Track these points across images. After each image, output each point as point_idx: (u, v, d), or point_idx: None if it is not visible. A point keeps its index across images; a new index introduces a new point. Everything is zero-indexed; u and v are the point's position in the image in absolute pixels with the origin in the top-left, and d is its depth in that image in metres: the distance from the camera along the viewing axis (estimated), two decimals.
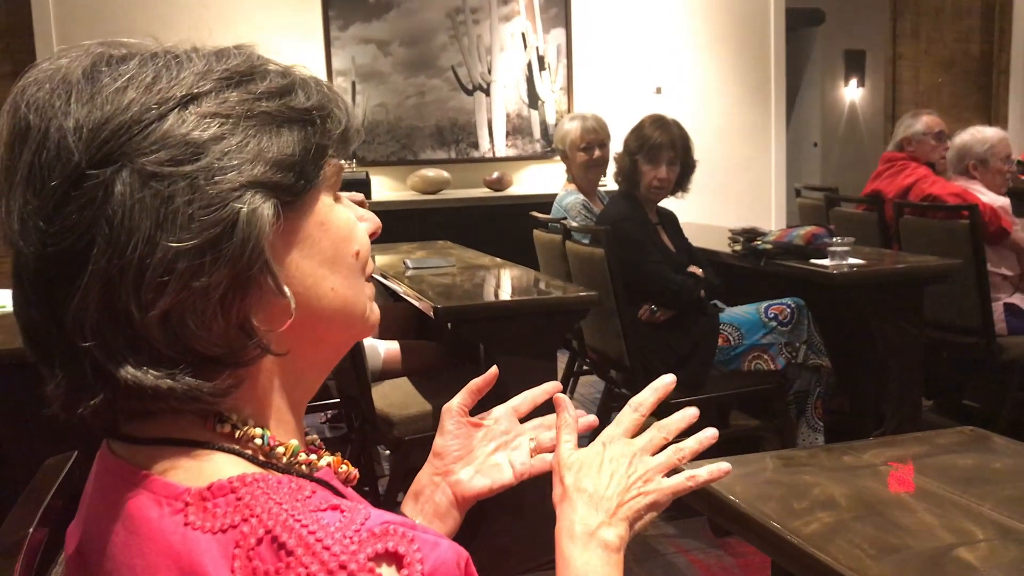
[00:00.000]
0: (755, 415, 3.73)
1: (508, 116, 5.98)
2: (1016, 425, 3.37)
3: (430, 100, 5.86)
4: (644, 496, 0.88)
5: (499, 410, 1.04)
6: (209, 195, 0.61)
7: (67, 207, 0.60)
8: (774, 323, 3.16)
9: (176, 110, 0.62)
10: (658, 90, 6.16)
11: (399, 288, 3.00)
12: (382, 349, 3.14)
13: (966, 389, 4.07)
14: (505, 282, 3.21)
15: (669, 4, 6.21)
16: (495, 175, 5.72)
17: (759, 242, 3.40)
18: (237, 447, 0.66)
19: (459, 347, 3.21)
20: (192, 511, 0.60)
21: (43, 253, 0.60)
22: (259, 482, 0.61)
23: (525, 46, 5.97)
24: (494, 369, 1.03)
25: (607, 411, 3.56)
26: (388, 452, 3.47)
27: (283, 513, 0.59)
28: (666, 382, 0.95)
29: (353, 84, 5.70)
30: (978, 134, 3.89)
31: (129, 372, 0.61)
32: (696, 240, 3.58)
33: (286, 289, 0.65)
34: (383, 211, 4.99)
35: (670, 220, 3.50)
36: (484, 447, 1.01)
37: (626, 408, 0.94)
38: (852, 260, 3.17)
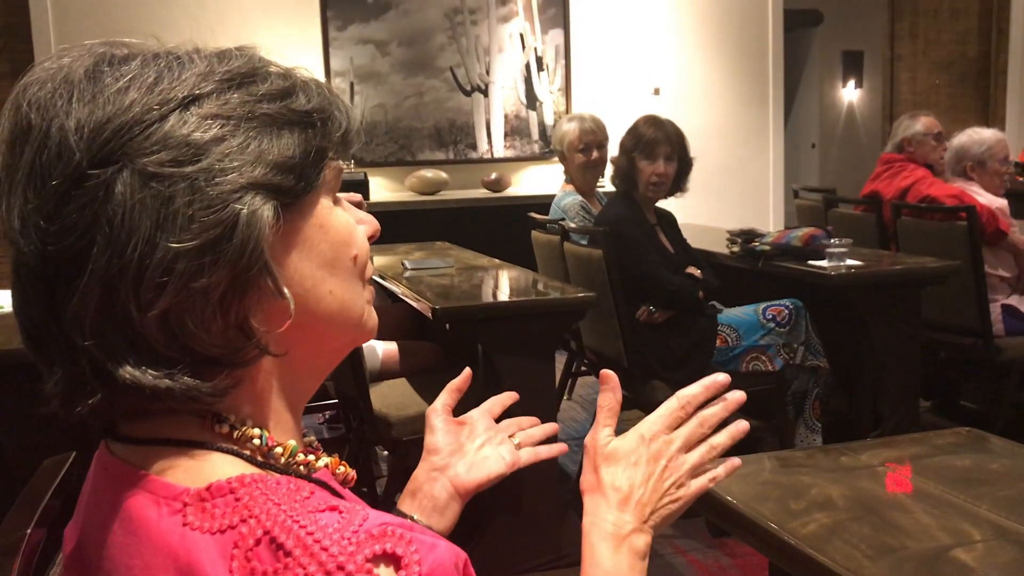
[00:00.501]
0: (753, 416, 3.72)
1: (506, 117, 5.98)
2: (1013, 426, 3.37)
3: (428, 101, 5.86)
4: (674, 503, 0.89)
5: (476, 412, 1.08)
6: (209, 196, 0.61)
7: (68, 206, 0.60)
8: (772, 324, 3.17)
9: (177, 111, 0.62)
10: (656, 91, 6.16)
11: (397, 289, 3.00)
12: (380, 350, 3.14)
13: (964, 390, 4.07)
14: (503, 283, 3.21)
15: (667, 5, 6.22)
16: (493, 176, 5.72)
17: (757, 243, 3.41)
18: (235, 447, 0.66)
19: (457, 348, 3.21)
20: (191, 511, 0.60)
21: (43, 252, 0.61)
22: (257, 483, 0.61)
23: (523, 47, 5.98)
24: (467, 370, 1.08)
25: None
26: (386, 453, 3.47)
27: (281, 514, 0.59)
28: (719, 380, 0.94)
29: (351, 85, 5.70)
30: (976, 135, 3.89)
31: (128, 371, 0.61)
32: (694, 241, 3.58)
33: (285, 290, 0.65)
34: (381, 212, 4.99)
35: (668, 221, 3.50)
36: (471, 443, 1.05)
37: (672, 400, 0.92)
38: (850, 261, 3.18)
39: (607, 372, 0.95)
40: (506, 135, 5.99)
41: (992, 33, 7.46)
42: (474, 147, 5.96)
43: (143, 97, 0.62)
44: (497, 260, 3.56)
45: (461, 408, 1.07)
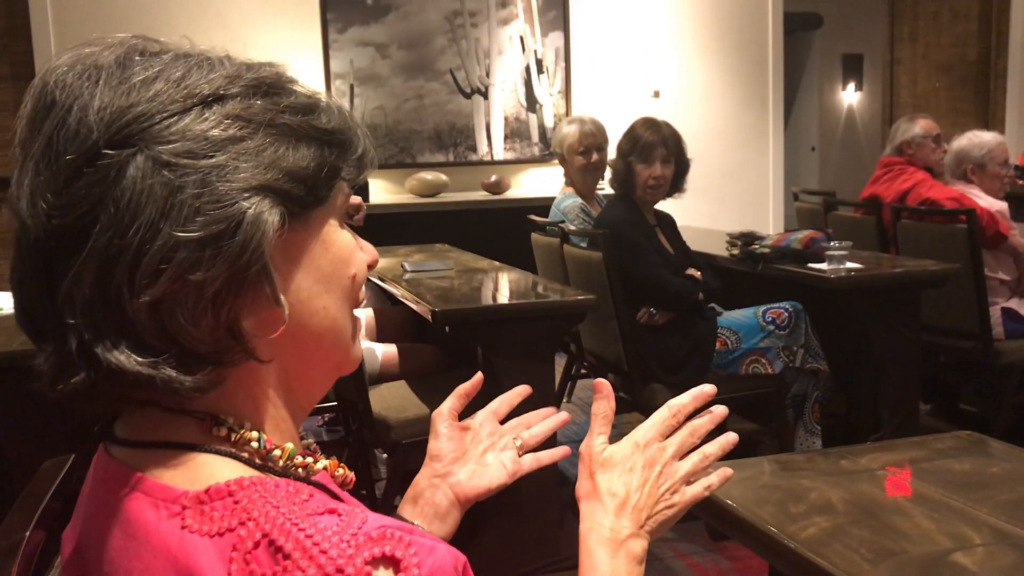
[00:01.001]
0: (753, 419, 3.73)
1: (506, 119, 5.98)
2: (1013, 429, 3.37)
3: (428, 103, 5.86)
4: (669, 509, 0.89)
5: (481, 414, 1.06)
6: (219, 191, 0.62)
7: (77, 182, 0.60)
8: (772, 327, 3.17)
9: (200, 107, 0.63)
10: (656, 94, 6.16)
11: (397, 291, 3.00)
12: (379, 352, 3.14)
13: (963, 393, 4.07)
14: (503, 285, 3.21)
15: (667, 8, 6.22)
16: (493, 178, 5.72)
17: (757, 246, 3.41)
18: (234, 450, 0.66)
19: (457, 350, 3.21)
20: (189, 514, 0.60)
21: (47, 225, 0.61)
22: (256, 485, 0.61)
23: (523, 49, 5.98)
24: (479, 375, 1.05)
25: None
26: (385, 455, 3.47)
27: (280, 517, 0.59)
28: (706, 391, 0.95)
29: (351, 87, 5.70)
30: (976, 139, 3.89)
31: (112, 355, 0.61)
32: (694, 244, 3.59)
33: (281, 297, 0.65)
34: (381, 214, 5.02)
35: (668, 223, 3.51)
36: (475, 449, 1.03)
37: (663, 409, 0.93)
38: (850, 264, 3.18)
39: (600, 381, 0.96)
40: (506, 137, 5.99)
41: (992, 36, 7.47)
42: (474, 149, 5.96)
43: (168, 89, 0.63)
44: (497, 262, 3.56)
45: (467, 409, 1.06)
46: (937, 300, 3.37)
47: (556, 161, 4.20)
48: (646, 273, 3.17)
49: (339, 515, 0.60)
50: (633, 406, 3.48)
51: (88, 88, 0.62)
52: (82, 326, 0.61)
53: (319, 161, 0.67)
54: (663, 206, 3.49)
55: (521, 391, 1.07)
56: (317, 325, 0.70)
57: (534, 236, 3.78)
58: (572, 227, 3.54)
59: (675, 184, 3.39)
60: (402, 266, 3.34)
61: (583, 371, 4.20)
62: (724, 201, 6.24)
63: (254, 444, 0.67)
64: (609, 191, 3.67)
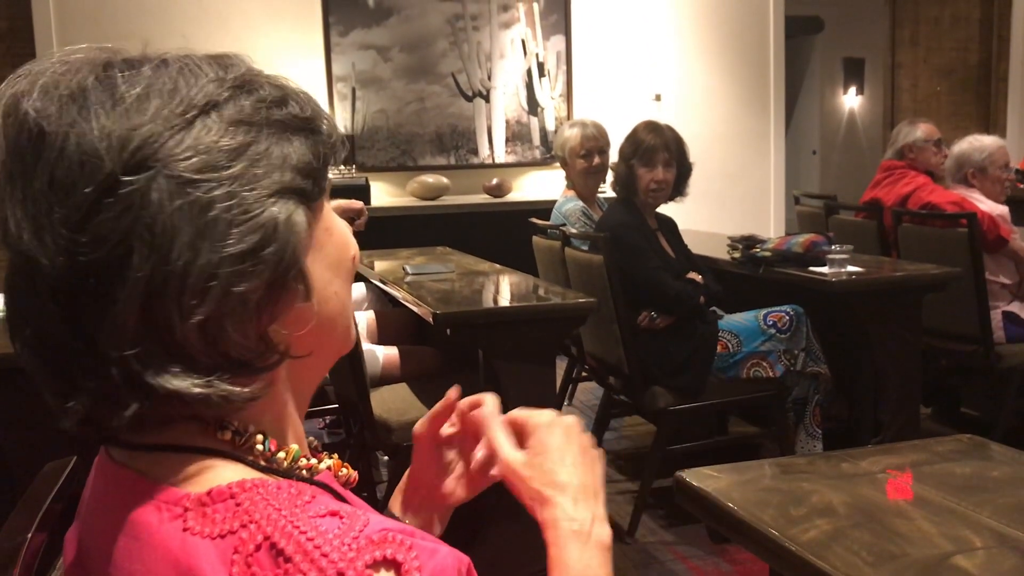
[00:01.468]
0: (754, 422, 3.73)
1: (508, 122, 5.99)
2: (1014, 433, 3.37)
3: (430, 106, 5.87)
4: (597, 467, 0.85)
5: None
6: (248, 201, 0.61)
7: (99, 215, 0.59)
8: (773, 330, 3.17)
9: (200, 117, 0.62)
10: (657, 97, 6.17)
11: (398, 294, 3.00)
12: (381, 354, 3.14)
13: (964, 397, 4.07)
14: (504, 288, 3.21)
15: (669, 11, 6.22)
16: (494, 181, 5.72)
17: (758, 249, 3.41)
18: (238, 453, 0.66)
19: (458, 353, 3.21)
20: (191, 516, 0.60)
21: (71, 264, 0.59)
22: (258, 488, 0.61)
23: (525, 53, 5.98)
24: (453, 392, 0.97)
25: (606, 418, 3.56)
26: (386, 458, 3.47)
27: (282, 519, 0.59)
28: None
29: (353, 90, 5.71)
30: (976, 142, 3.90)
31: (168, 381, 0.60)
32: (695, 247, 3.59)
33: (313, 295, 0.66)
34: (383, 217, 5.02)
35: (669, 226, 3.51)
36: (446, 470, 0.97)
37: (517, 411, 0.91)
38: (851, 268, 3.18)
39: (452, 389, 0.92)
40: (507, 140, 5.99)
41: (993, 40, 7.47)
42: (475, 152, 5.96)
43: (165, 104, 0.62)
44: (498, 265, 3.56)
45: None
46: (938, 304, 3.37)
47: (557, 164, 4.21)
48: (647, 277, 3.17)
49: (341, 517, 0.60)
50: (634, 409, 3.48)
51: (80, 113, 0.60)
52: (131, 357, 0.60)
53: (313, 151, 0.68)
54: (664, 209, 3.50)
55: (446, 402, 0.98)
56: (331, 311, 0.71)
57: (535, 239, 3.78)
58: (573, 230, 3.55)
59: (677, 188, 3.39)
60: (403, 269, 3.35)
61: (584, 374, 4.20)
62: (725, 204, 6.24)
63: (259, 447, 0.67)
64: (610, 194, 3.68)
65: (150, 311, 0.59)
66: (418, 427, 0.96)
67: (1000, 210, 3.76)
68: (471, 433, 0.94)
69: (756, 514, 1.24)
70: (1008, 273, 3.70)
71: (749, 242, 3.48)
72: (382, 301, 3.68)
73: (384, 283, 3.17)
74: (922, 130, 4.09)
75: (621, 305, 3.05)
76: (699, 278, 3.28)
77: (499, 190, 5.70)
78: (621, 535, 3.05)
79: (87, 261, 0.59)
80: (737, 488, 1.33)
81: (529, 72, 5.99)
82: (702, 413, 3.35)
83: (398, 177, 5.81)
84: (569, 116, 5.94)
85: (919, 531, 1.17)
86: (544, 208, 4.25)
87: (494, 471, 0.90)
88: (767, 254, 3.36)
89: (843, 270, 3.15)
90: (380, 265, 3.53)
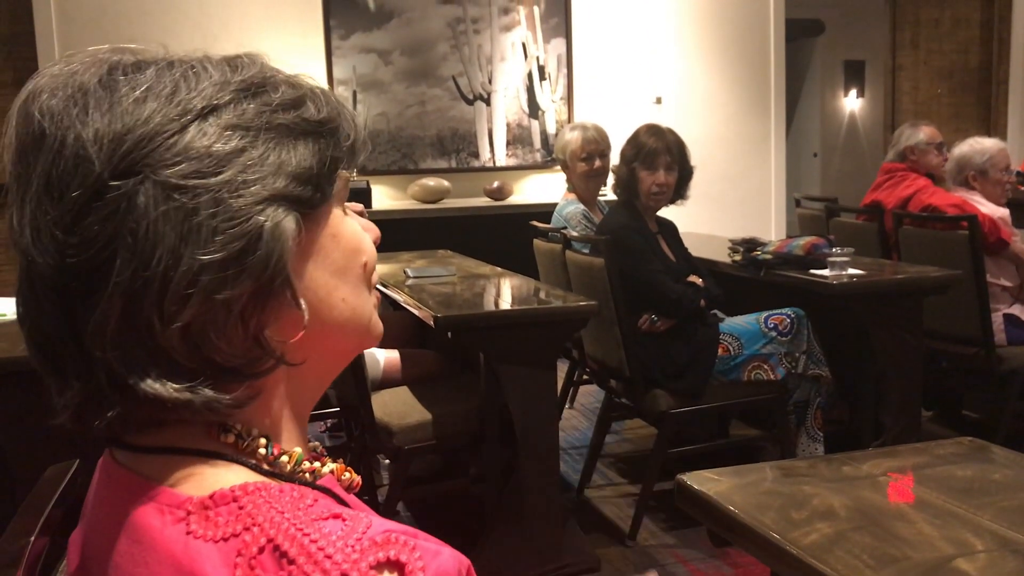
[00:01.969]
0: (755, 425, 3.73)
1: (508, 126, 5.99)
2: (1015, 436, 3.37)
3: (431, 109, 5.87)
4: None
5: None
6: (233, 208, 0.61)
7: (88, 218, 0.59)
8: (774, 333, 3.17)
9: (196, 122, 0.62)
10: (658, 100, 6.17)
11: (399, 297, 3.00)
12: (382, 358, 3.14)
13: (965, 400, 4.07)
14: (505, 291, 3.21)
15: (669, 14, 6.23)
16: (495, 184, 5.73)
17: (759, 252, 3.41)
18: (241, 456, 0.66)
19: (459, 356, 3.21)
20: (194, 520, 0.60)
21: (61, 264, 0.60)
22: (261, 491, 0.62)
23: (526, 56, 5.99)
24: None
25: (607, 420, 3.56)
26: (387, 461, 3.47)
27: (285, 522, 0.59)
28: None
29: (354, 93, 5.71)
30: (977, 145, 3.90)
31: (148, 384, 0.61)
32: (696, 250, 3.59)
33: (301, 300, 0.65)
34: (383, 220, 5.02)
35: (670, 229, 3.51)
36: None
37: None
38: (852, 270, 3.18)
39: None
40: (508, 144, 6.00)
41: (993, 43, 7.47)
42: (476, 156, 5.97)
43: (162, 107, 0.62)
44: (499, 268, 3.56)
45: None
46: (939, 306, 3.37)
47: (558, 167, 4.21)
48: (647, 280, 3.17)
49: (344, 520, 0.60)
50: (635, 412, 3.49)
51: (78, 115, 0.61)
52: (113, 359, 0.60)
53: (319, 156, 0.67)
54: (665, 212, 3.50)
55: None
56: (338, 317, 0.70)
57: (536, 242, 3.78)
58: (574, 233, 3.55)
59: (678, 191, 3.39)
60: (404, 272, 3.35)
61: (585, 377, 4.20)
62: (726, 207, 6.24)
63: (262, 451, 0.67)
64: (611, 197, 3.68)
65: (132, 315, 0.60)
66: None
67: (1001, 212, 3.76)
68: None
69: (757, 517, 1.24)
70: (1009, 275, 3.70)
71: (750, 245, 3.48)
72: (383, 305, 3.68)
73: (385, 286, 3.18)
74: (924, 133, 4.09)
75: (622, 308, 3.05)
76: (700, 281, 3.28)
77: (500, 193, 5.70)
78: (622, 538, 3.05)
79: (74, 263, 0.60)
80: (738, 491, 1.33)
81: (530, 75, 6.00)
82: (703, 416, 3.35)
83: (399, 180, 5.81)
84: (570, 119, 5.94)
85: (920, 534, 1.17)
86: (545, 211, 4.26)
87: None
88: (768, 257, 3.36)
89: (844, 273, 3.15)
90: (381, 268, 3.54)
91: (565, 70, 6.04)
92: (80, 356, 0.62)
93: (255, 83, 0.66)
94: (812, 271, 3.23)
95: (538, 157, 6.04)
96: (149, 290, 0.59)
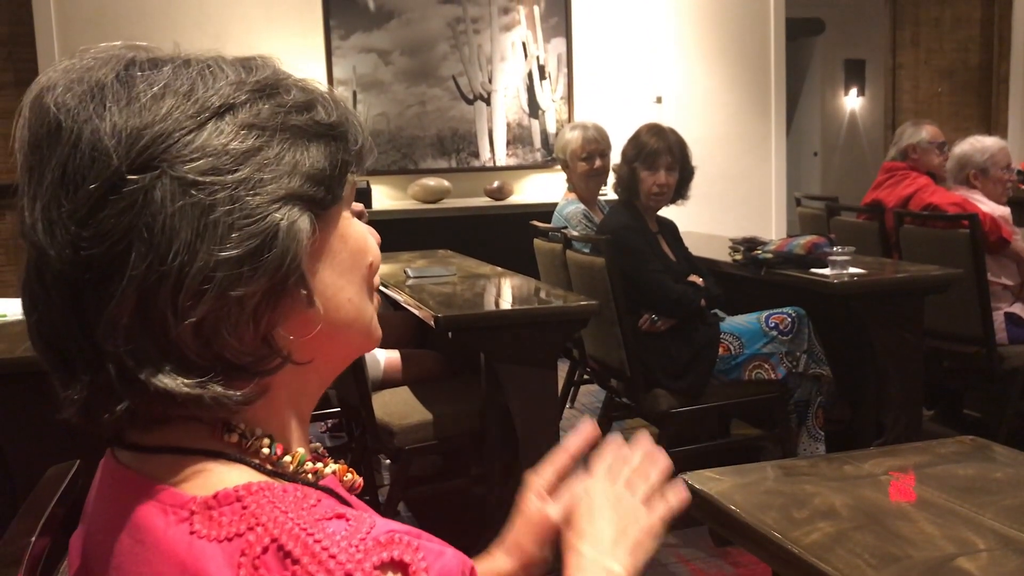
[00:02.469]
0: (756, 424, 3.73)
1: (509, 125, 5.99)
2: (1017, 435, 3.37)
3: (431, 109, 5.87)
4: (646, 537, 0.87)
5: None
6: (250, 206, 0.61)
7: (104, 211, 0.60)
8: (775, 332, 3.17)
9: (214, 119, 0.63)
10: (658, 99, 6.17)
11: (400, 297, 3.00)
12: (382, 358, 3.14)
13: (967, 399, 4.06)
14: (506, 291, 3.21)
15: (669, 14, 6.23)
16: (496, 184, 5.72)
17: (759, 251, 3.41)
18: (244, 456, 0.66)
19: (459, 356, 3.21)
20: (198, 520, 0.60)
21: (75, 257, 0.60)
22: (264, 491, 0.62)
23: (526, 55, 5.99)
24: (588, 429, 0.95)
25: (607, 420, 3.56)
26: (388, 461, 3.47)
27: (288, 522, 0.59)
28: (592, 432, 0.94)
29: (354, 93, 5.71)
30: (978, 143, 3.89)
31: (159, 379, 0.61)
32: (696, 249, 3.59)
33: (317, 300, 0.66)
34: (384, 220, 5.03)
35: (670, 229, 3.51)
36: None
37: (606, 456, 0.92)
38: (852, 269, 3.18)
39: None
40: (508, 143, 6.00)
41: (994, 42, 7.47)
42: (476, 155, 5.96)
43: (180, 104, 0.62)
44: (499, 268, 3.56)
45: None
46: (940, 305, 3.37)
47: (559, 167, 4.21)
48: (648, 280, 3.17)
49: (347, 520, 0.60)
50: (636, 412, 3.48)
51: (95, 109, 0.61)
52: (124, 353, 0.61)
53: (331, 158, 0.67)
54: (665, 211, 3.50)
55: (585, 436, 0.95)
56: (343, 318, 0.70)
57: (536, 242, 3.78)
58: (575, 233, 3.55)
59: (679, 191, 3.39)
60: (405, 272, 3.35)
61: (586, 377, 4.20)
62: (726, 206, 6.24)
63: (265, 451, 0.67)
64: (612, 196, 3.68)
65: (145, 309, 0.60)
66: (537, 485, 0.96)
67: (1002, 211, 3.76)
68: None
69: (759, 516, 1.24)
70: (1010, 274, 3.70)
71: (750, 244, 3.48)
72: (384, 305, 3.68)
73: (386, 286, 3.18)
74: (927, 132, 4.09)
75: (622, 308, 3.05)
76: (700, 281, 3.28)
77: (500, 193, 5.70)
78: None
79: (88, 255, 0.60)
80: (739, 490, 1.33)
81: (530, 75, 6.00)
82: (704, 415, 3.35)
83: (399, 180, 5.81)
84: (570, 119, 5.94)
85: (922, 533, 1.17)
86: (545, 211, 4.25)
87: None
88: (768, 256, 3.36)
89: (845, 272, 3.15)
90: (381, 268, 3.53)
91: (565, 69, 6.04)
92: (90, 350, 0.62)
93: (269, 84, 0.67)
94: (813, 270, 3.23)
95: (538, 157, 6.04)
96: (164, 285, 0.59)
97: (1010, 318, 3.61)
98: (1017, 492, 1.31)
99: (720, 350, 3.15)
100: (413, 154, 5.86)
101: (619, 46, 6.15)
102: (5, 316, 2.68)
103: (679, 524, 3.32)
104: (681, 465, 1.75)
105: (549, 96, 6.03)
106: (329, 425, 4.03)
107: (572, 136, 3.89)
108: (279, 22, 5.59)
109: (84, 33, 5.25)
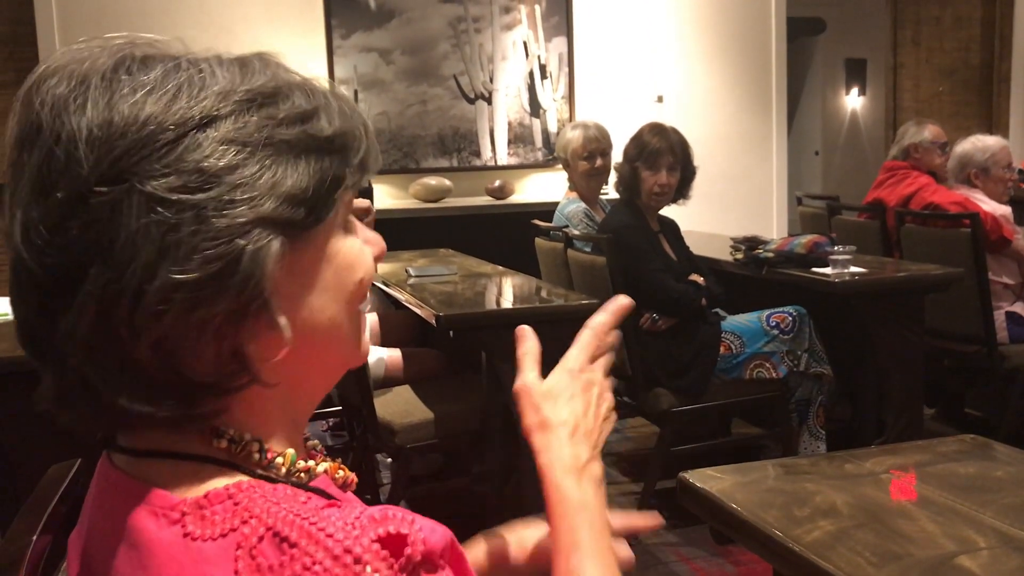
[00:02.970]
0: (757, 423, 3.73)
1: (510, 124, 5.99)
2: (1018, 433, 3.37)
3: (432, 108, 5.87)
4: (608, 424, 0.90)
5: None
6: (216, 228, 0.59)
7: (70, 221, 0.59)
8: (776, 331, 3.16)
9: (192, 132, 0.60)
10: (659, 99, 6.17)
11: (401, 296, 3.00)
12: (384, 357, 3.15)
13: (968, 397, 4.06)
14: (507, 290, 3.21)
15: (670, 13, 6.22)
16: (497, 183, 5.72)
17: (760, 250, 3.41)
18: (234, 461, 0.65)
19: (461, 355, 3.21)
20: (190, 520, 0.60)
21: (41, 263, 0.60)
22: (255, 487, 0.62)
23: (527, 55, 5.99)
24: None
25: None
26: (389, 460, 3.47)
27: (282, 511, 0.59)
28: (623, 303, 0.94)
29: (355, 93, 5.71)
30: (979, 143, 3.89)
31: (114, 393, 0.60)
32: (698, 248, 3.59)
33: (282, 322, 0.63)
34: (385, 219, 5.02)
35: (671, 228, 3.51)
36: None
37: (586, 332, 0.93)
38: (853, 268, 3.18)
39: (521, 327, 0.95)
40: (510, 143, 5.99)
41: (995, 41, 7.46)
42: (478, 155, 5.96)
43: (159, 114, 0.60)
44: (501, 267, 3.56)
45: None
46: (941, 304, 3.37)
47: (560, 166, 4.21)
48: (649, 279, 3.17)
49: (339, 507, 0.61)
50: (637, 411, 3.48)
51: (75, 111, 0.60)
52: (82, 364, 0.60)
53: (319, 176, 0.64)
54: (667, 211, 3.50)
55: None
56: (323, 336, 0.68)
57: (538, 241, 3.78)
58: (576, 232, 3.55)
59: (680, 191, 3.39)
60: (406, 271, 3.35)
61: None
62: (728, 206, 6.23)
63: (256, 456, 0.66)
64: (613, 196, 3.68)
65: (103, 325, 0.59)
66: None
67: (1003, 210, 3.76)
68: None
69: (760, 515, 1.24)
70: (1011, 273, 3.69)
71: (752, 243, 3.48)
72: (385, 303, 3.68)
73: (387, 285, 3.18)
74: (929, 131, 4.09)
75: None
76: (701, 280, 3.28)
77: (501, 192, 5.70)
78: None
79: (52, 263, 0.59)
80: (740, 489, 1.33)
81: (531, 74, 5.99)
82: (705, 414, 3.35)
83: (400, 179, 5.81)
84: (571, 118, 5.94)
85: (923, 531, 1.17)
86: (547, 210, 4.25)
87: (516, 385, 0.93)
88: (770, 255, 3.36)
89: (846, 271, 3.15)
90: (383, 267, 3.54)
91: (566, 69, 6.04)
92: (53, 354, 0.61)
93: (263, 92, 0.64)
94: (814, 269, 3.23)
95: (539, 156, 6.03)
96: (121, 302, 0.58)
97: (1011, 317, 3.61)
98: (1018, 491, 1.31)
99: (721, 349, 3.15)
100: (414, 153, 5.86)
101: (620, 45, 6.14)
102: (6, 316, 2.68)
103: (680, 522, 3.31)
104: (682, 464, 1.75)
105: (550, 95, 6.03)
106: (330, 424, 4.03)
107: (573, 135, 3.89)
108: (280, 21, 5.59)
109: (85, 32, 5.18)
